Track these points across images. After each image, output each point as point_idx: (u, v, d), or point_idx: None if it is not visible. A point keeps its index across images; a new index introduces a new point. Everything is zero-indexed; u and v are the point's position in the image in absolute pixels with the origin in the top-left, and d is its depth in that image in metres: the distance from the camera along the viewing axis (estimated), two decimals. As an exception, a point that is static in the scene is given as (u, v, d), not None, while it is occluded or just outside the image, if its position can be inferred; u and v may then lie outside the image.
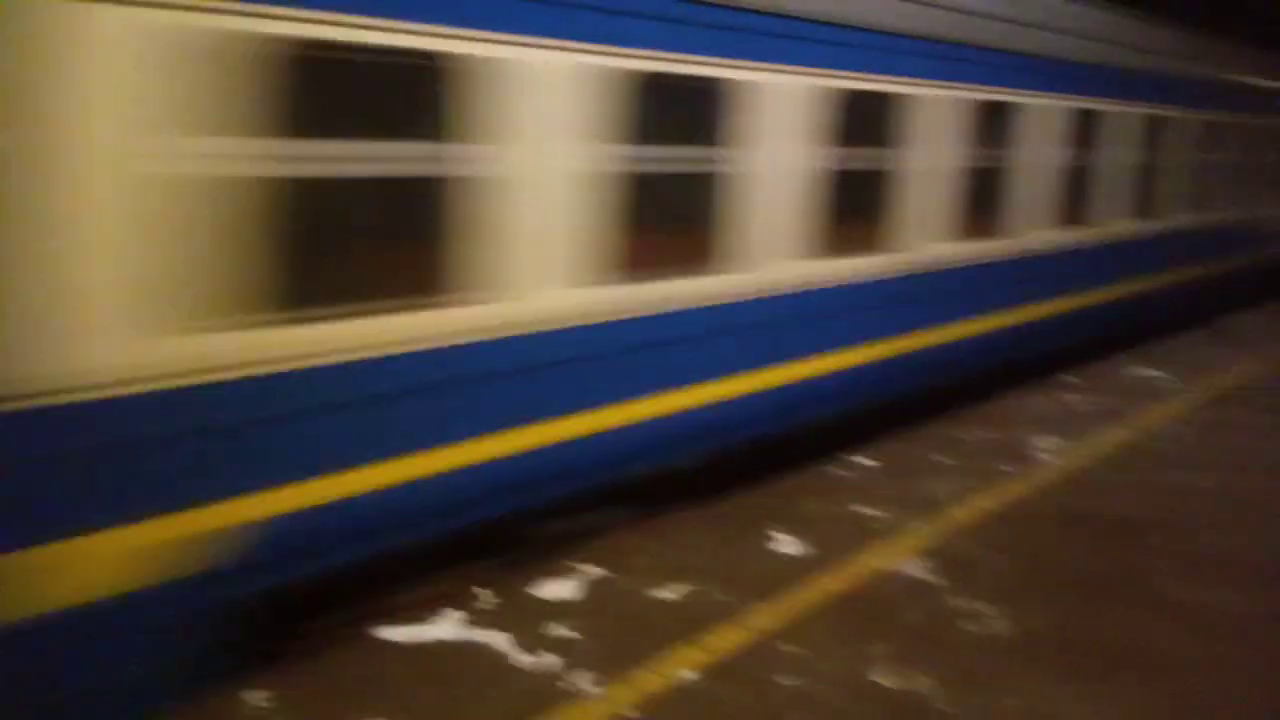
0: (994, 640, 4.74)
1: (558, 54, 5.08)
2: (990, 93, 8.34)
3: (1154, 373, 10.43)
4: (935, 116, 7.76)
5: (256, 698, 4.13)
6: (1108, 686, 4.38)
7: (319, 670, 4.36)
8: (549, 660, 4.46)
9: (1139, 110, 10.97)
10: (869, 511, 6.29)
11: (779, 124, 6.39)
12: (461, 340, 4.87)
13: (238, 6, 3.93)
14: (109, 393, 3.72)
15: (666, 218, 5.99)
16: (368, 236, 4.63)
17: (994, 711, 4.18)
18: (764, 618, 4.89)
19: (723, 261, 6.23)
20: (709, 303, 6.17)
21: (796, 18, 6.37)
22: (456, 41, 4.66)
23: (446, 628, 4.75)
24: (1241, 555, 5.79)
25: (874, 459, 7.32)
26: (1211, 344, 12.12)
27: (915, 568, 5.48)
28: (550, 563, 5.45)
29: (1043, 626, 4.88)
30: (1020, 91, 8.76)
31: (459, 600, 5.00)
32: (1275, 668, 4.58)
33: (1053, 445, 7.78)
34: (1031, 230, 9.39)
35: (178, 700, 4.13)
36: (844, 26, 6.77)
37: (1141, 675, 4.47)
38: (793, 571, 5.42)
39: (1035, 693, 4.31)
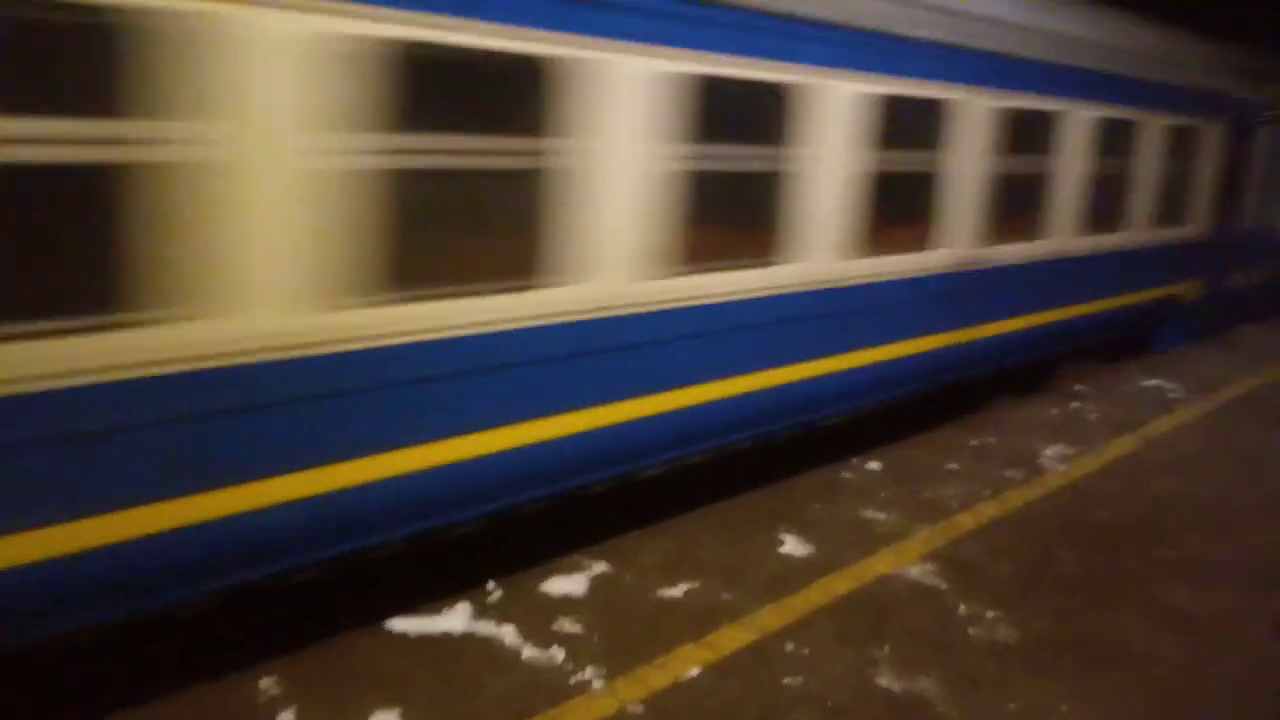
0: (997, 644, 4.78)
1: (644, 59, 5.41)
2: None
3: (1161, 383, 10.45)
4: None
5: (268, 683, 4.19)
6: (1106, 689, 4.42)
7: (329, 658, 4.42)
8: (556, 654, 4.52)
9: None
10: (875, 515, 6.33)
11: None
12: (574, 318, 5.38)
13: (373, 11, 4.30)
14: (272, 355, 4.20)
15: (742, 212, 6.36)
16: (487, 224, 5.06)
17: (996, 714, 4.22)
18: (770, 618, 4.93)
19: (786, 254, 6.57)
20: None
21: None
22: (551, 45, 4.99)
23: (455, 620, 4.81)
24: (1237, 562, 5.82)
25: (879, 462, 7.36)
26: (1220, 356, 12.13)
27: (920, 572, 5.52)
28: (560, 558, 5.51)
29: (1045, 631, 4.92)
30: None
31: (469, 593, 5.06)
32: (1257, 668, 4.62)
33: (1060, 453, 7.81)
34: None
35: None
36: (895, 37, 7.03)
37: (1138, 678, 4.51)
38: (799, 573, 5.46)
39: (1036, 696, 4.35)
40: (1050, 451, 7.83)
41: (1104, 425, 8.70)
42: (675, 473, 6.76)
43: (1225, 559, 5.87)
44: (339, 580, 5.24)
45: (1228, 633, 4.98)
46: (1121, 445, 8.12)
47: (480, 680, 4.30)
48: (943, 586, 5.36)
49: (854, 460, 7.41)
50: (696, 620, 4.89)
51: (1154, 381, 10.51)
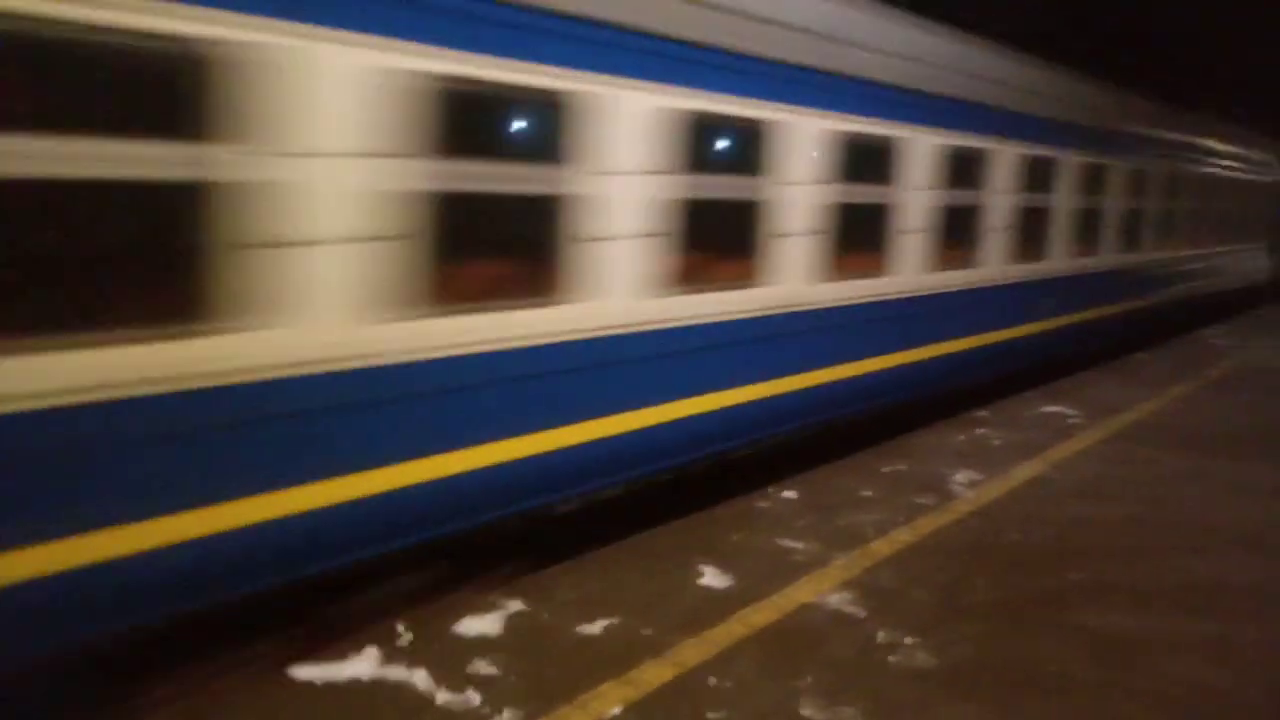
0: (917, 670, 4.77)
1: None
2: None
3: (1062, 409, 10.77)
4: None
5: (160, 742, 3.92)
6: (1027, 713, 4.43)
7: (221, 710, 4.15)
8: (473, 698, 4.34)
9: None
10: (792, 544, 6.31)
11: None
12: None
13: (420, 49, 4.87)
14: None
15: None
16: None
17: (919, 743, 4.19)
18: (691, 652, 4.84)
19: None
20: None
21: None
22: (572, 81, 5.66)
23: (364, 665, 4.58)
24: (1145, 584, 5.96)
25: (795, 490, 7.37)
26: (1116, 381, 12.59)
27: (839, 600, 5.51)
28: (471, 597, 5.32)
29: (963, 656, 4.93)
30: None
31: (376, 635, 4.83)
32: (1169, 688, 4.71)
33: (968, 478, 7.95)
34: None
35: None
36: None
37: (1056, 700, 4.55)
38: (719, 605, 5.39)
39: (959, 723, 4.35)
40: (959, 477, 7.96)
41: (1009, 451, 8.90)
42: (588, 506, 6.64)
43: (1133, 582, 6.00)
44: (231, 624, 4.95)
45: (1139, 654, 5.08)
46: (1027, 470, 8.31)
47: (392, 728, 4.10)
48: (861, 614, 5.35)
49: (770, 489, 7.41)
50: (617, 657, 4.76)
51: (1055, 408, 10.83)
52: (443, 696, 4.34)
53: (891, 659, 4.86)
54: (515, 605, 5.25)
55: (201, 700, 4.28)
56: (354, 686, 4.42)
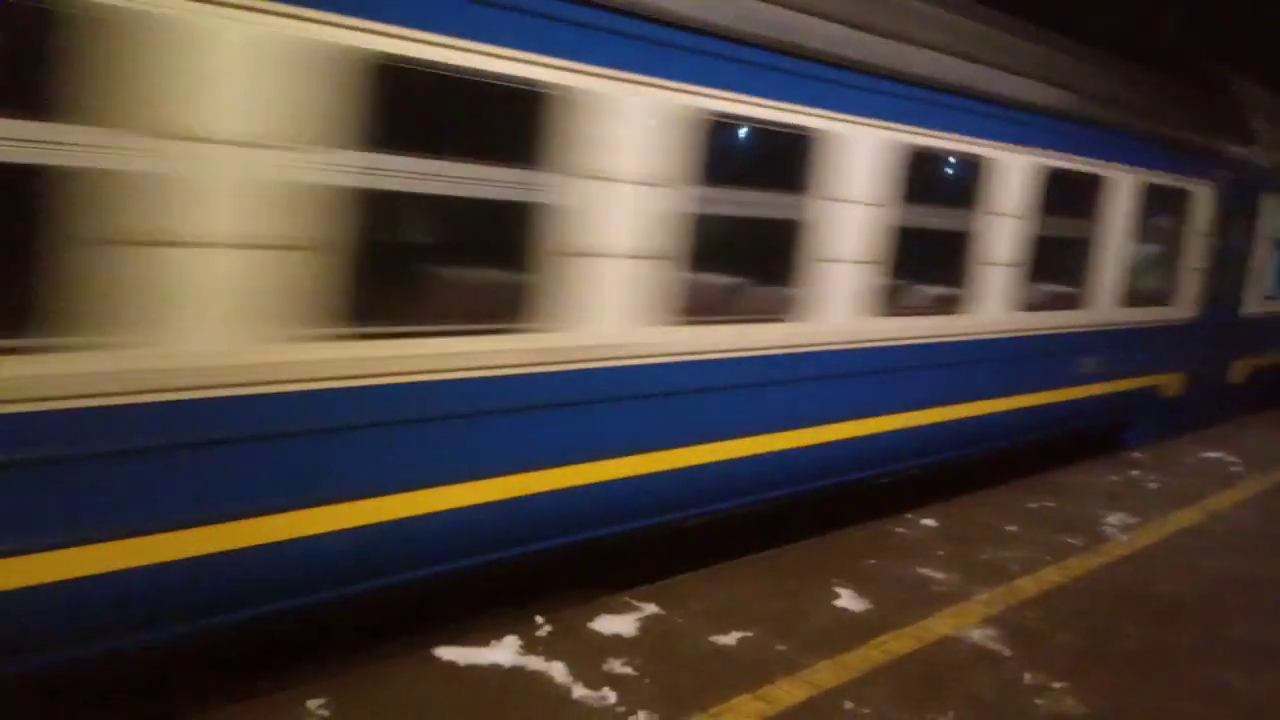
0: (1063, 716, 4.56)
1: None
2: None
3: (1221, 455, 10.17)
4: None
5: (314, 704, 4.08)
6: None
7: (376, 683, 4.31)
8: (608, 695, 4.38)
9: None
10: (933, 574, 6.14)
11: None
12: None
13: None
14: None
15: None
16: None
17: (1066, 793, 4.02)
18: (826, 673, 4.76)
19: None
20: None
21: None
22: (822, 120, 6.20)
23: (504, 653, 4.68)
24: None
25: (934, 519, 7.17)
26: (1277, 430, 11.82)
27: (982, 635, 5.33)
28: (608, 598, 5.38)
29: (1110, 706, 4.69)
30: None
31: (516, 627, 4.94)
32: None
33: (1121, 521, 7.58)
34: None
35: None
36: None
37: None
38: (855, 628, 5.29)
39: (1109, 777, 4.15)
40: (1112, 520, 7.59)
41: (1165, 496, 8.45)
42: (720, 519, 6.62)
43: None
44: (386, 606, 5.15)
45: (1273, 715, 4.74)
46: (1183, 517, 7.87)
47: (531, 717, 4.17)
48: (1006, 653, 5.16)
49: (908, 516, 7.23)
50: (750, 671, 4.73)
51: (1214, 453, 10.22)
52: (579, 691, 4.40)
53: (1038, 701, 4.67)
54: (650, 609, 5.28)
55: (359, 674, 4.46)
56: (494, 671, 4.52)
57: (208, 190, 3.81)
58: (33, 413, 3.50)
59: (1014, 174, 7.90)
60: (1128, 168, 9.31)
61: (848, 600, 5.63)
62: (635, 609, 5.26)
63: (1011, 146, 7.82)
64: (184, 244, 3.77)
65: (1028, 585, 6.10)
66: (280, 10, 3.89)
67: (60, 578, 3.65)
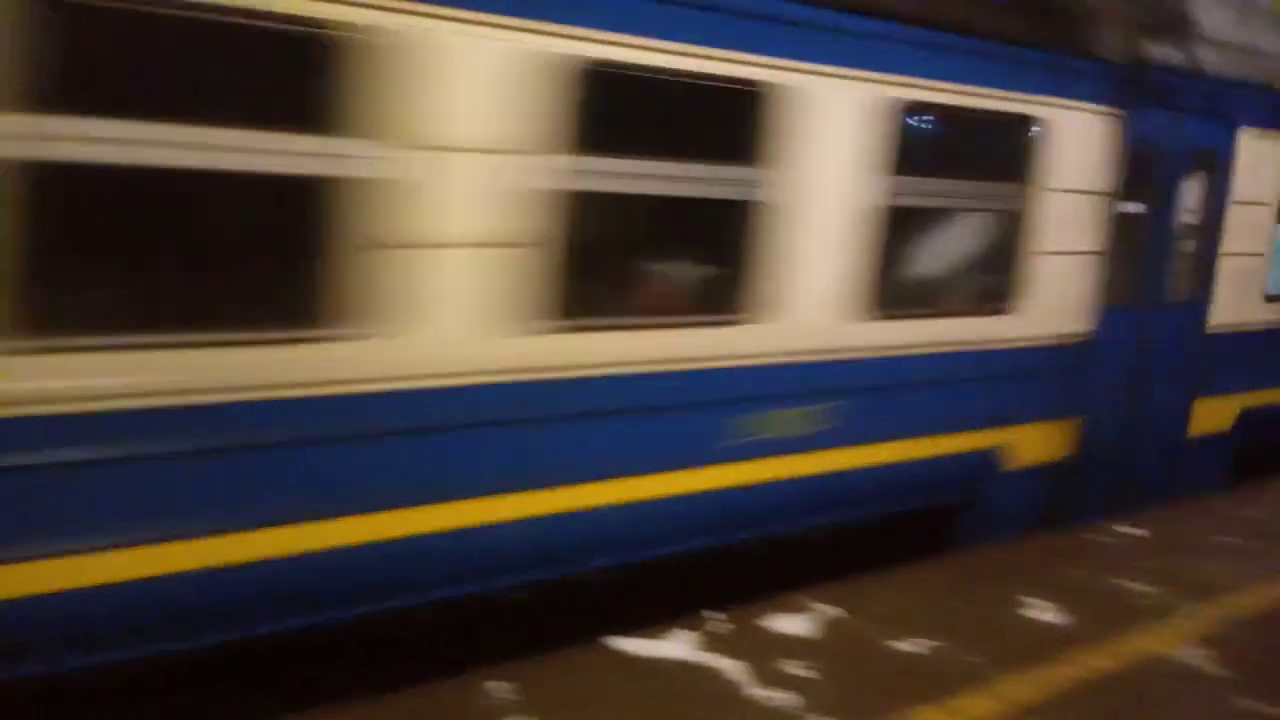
0: (1291, 752, 4.17)
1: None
2: None
3: None
4: None
5: (496, 686, 4.20)
6: None
7: (556, 670, 4.40)
8: (784, 697, 4.30)
9: None
10: (1136, 586, 5.72)
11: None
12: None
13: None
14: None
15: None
16: None
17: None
18: (1018, 687, 4.51)
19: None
20: None
21: None
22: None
23: (679, 647, 4.68)
24: None
25: (1141, 528, 6.69)
26: None
27: (1193, 656, 4.92)
28: (785, 597, 5.29)
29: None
30: None
31: (691, 622, 4.92)
32: None
33: (1358, 538, 6.85)
34: None
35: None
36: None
37: None
38: (1049, 641, 4.99)
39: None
40: (1347, 535, 6.87)
41: None
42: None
43: None
44: (555, 596, 5.24)
45: None
46: None
47: (705, 713, 4.15)
48: (1221, 674, 4.74)
49: (1112, 524, 6.78)
50: (935, 680, 4.54)
51: None
52: (757, 691, 4.34)
53: (1259, 732, 4.28)
54: (827, 610, 5.15)
55: (540, 661, 4.56)
56: (668, 665, 4.53)
57: (451, 195, 4.16)
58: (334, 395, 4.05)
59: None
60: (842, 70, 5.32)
61: (1040, 610, 5.33)
62: (811, 610, 5.15)
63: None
64: (435, 245, 4.15)
65: (1245, 602, 5.60)
66: (512, 25, 4.17)
67: (339, 544, 4.17)
